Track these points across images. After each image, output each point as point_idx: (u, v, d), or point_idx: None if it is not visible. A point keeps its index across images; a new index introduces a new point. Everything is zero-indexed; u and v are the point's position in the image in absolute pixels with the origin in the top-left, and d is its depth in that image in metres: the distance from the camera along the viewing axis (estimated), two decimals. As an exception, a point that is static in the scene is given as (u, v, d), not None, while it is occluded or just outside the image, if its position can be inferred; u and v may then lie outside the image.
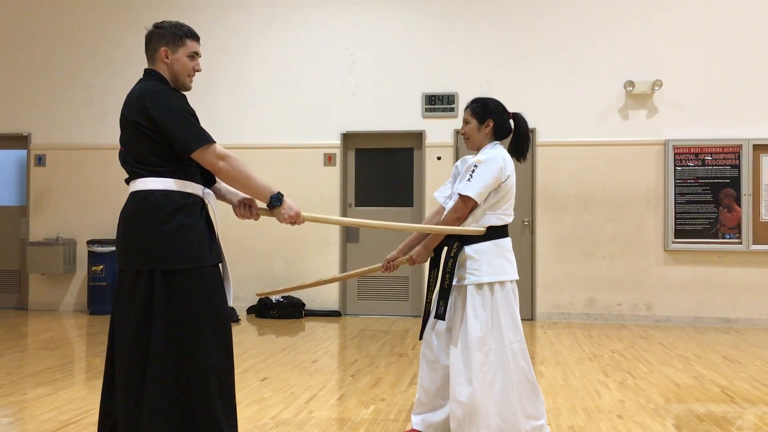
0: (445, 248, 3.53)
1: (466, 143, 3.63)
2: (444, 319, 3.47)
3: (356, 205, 8.75)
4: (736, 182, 7.99)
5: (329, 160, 8.62)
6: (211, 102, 8.81)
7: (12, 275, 9.26)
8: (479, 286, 3.39)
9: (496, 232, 3.47)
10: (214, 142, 2.83)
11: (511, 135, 3.62)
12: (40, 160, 9.18)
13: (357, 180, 8.75)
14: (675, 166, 8.07)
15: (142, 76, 3.02)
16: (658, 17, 8.23)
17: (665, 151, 8.10)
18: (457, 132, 8.45)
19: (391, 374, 5.38)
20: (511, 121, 3.61)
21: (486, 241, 3.44)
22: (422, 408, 3.67)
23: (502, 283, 3.41)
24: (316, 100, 8.74)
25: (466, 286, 3.42)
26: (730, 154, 8.01)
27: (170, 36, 3.00)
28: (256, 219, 3.07)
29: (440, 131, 8.51)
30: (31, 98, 9.24)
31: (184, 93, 3.00)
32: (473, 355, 3.33)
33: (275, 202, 2.92)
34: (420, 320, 8.19)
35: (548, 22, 8.41)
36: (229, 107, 8.81)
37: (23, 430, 3.97)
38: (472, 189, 3.38)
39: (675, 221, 8.05)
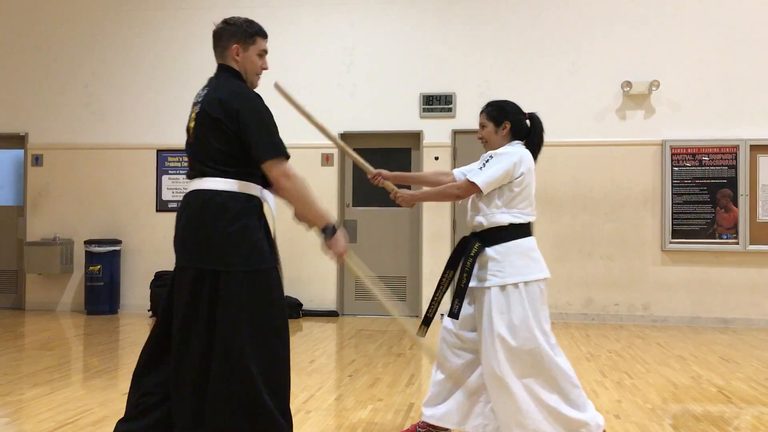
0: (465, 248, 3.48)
1: (485, 147, 3.59)
2: (458, 318, 3.45)
3: (354, 206, 8.75)
4: (733, 182, 8.00)
5: (327, 160, 8.62)
6: (209, 102, 8.81)
7: (9, 275, 9.24)
8: (503, 287, 3.35)
9: (517, 232, 3.41)
10: (288, 156, 2.85)
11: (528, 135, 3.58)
12: (37, 160, 9.17)
13: (354, 180, 8.75)
14: (672, 166, 8.08)
15: (216, 71, 3.01)
16: (655, 18, 8.24)
17: (662, 151, 8.11)
18: (454, 132, 8.46)
19: (388, 374, 5.38)
20: (528, 121, 3.59)
21: (508, 241, 3.39)
22: (434, 400, 3.62)
23: (526, 282, 3.35)
24: (313, 100, 8.62)
25: (490, 288, 3.37)
26: (727, 154, 8.03)
27: (241, 33, 2.97)
28: (306, 230, 3.05)
29: (438, 131, 8.51)
30: (28, 98, 9.23)
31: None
32: (502, 357, 3.29)
33: (328, 233, 2.94)
34: (418, 319, 8.21)
35: (546, 22, 8.41)
36: (226, 107, 8.80)
37: (21, 431, 3.97)
38: (481, 177, 3.36)
39: (672, 221, 8.07)
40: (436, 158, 8.46)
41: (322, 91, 8.71)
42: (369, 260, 8.63)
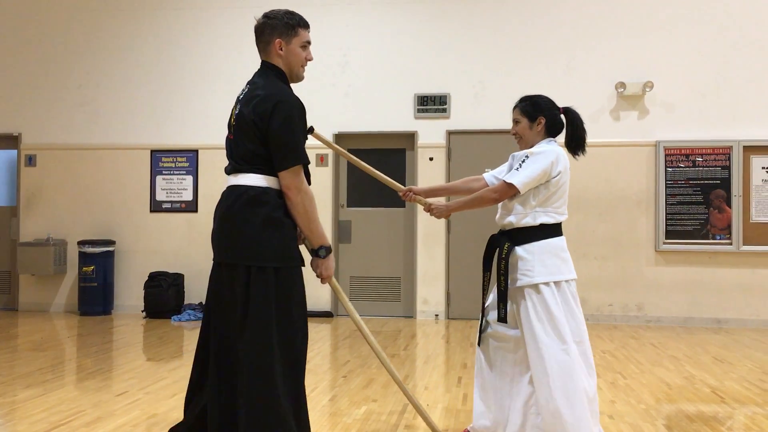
0: (497, 250, 3.45)
1: (519, 143, 3.53)
2: (506, 322, 3.39)
3: (348, 206, 8.75)
4: (726, 183, 8.03)
5: (321, 160, 8.61)
6: (204, 101, 8.81)
7: (2, 276, 9.21)
8: (534, 286, 3.32)
9: (548, 231, 3.38)
10: (307, 162, 2.88)
11: (563, 130, 3.54)
12: (31, 161, 9.14)
13: (349, 180, 8.75)
14: (666, 167, 8.11)
15: (259, 69, 3.00)
16: (649, 20, 8.26)
17: (656, 152, 8.13)
18: (449, 133, 8.46)
19: (383, 375, 5.38)
20: (562, 116, 3.54)
21: (538, 240, 3.36)
22: (483, 420, 3.53)
23: (557, 282, 3.33)
24: (308, 101, 8.59)
25: (522, 288, 3.34)
26: (721, 155, 8.05)
27: (283, 26, 2.94)
28: (299, 244, 3.09)
29: (432, 132, 8.52)
30: (21, 98, 9.20)
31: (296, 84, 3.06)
32: (543, 357, 3.25)
33: (320, 253, 2.97)
34: (417, 321, 8.21)
35: (541, 23, 8.43)
36: (221, 106, 8.72)
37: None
38: (518, 177, 3.31)
39: (666, 222, 8.09)
40: (431, 159, 8.46)
41: (317, 92, 8.69)
42: (363, 261, 8.72)
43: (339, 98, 8.67)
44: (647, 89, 8.11)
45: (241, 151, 2.88)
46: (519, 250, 3.36)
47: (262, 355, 2.76)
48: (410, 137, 8.60)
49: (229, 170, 2.95)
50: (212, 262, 3.03)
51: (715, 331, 7.65)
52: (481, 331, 3.56)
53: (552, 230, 3.40)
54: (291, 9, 3.02)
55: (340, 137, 8.70)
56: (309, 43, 3.02)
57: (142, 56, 9.04)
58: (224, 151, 2.97)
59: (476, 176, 3.76)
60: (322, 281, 3.05)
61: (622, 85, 8.12)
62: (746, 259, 8.00)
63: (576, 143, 3.54)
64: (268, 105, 2.81)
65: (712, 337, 7.27)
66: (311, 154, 8.52)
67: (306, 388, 4.92)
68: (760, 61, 8.07)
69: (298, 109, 2.88)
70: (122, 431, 3.93)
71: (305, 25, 3.00)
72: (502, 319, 3.39)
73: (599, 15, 8.34)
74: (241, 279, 2.82)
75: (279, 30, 2.93)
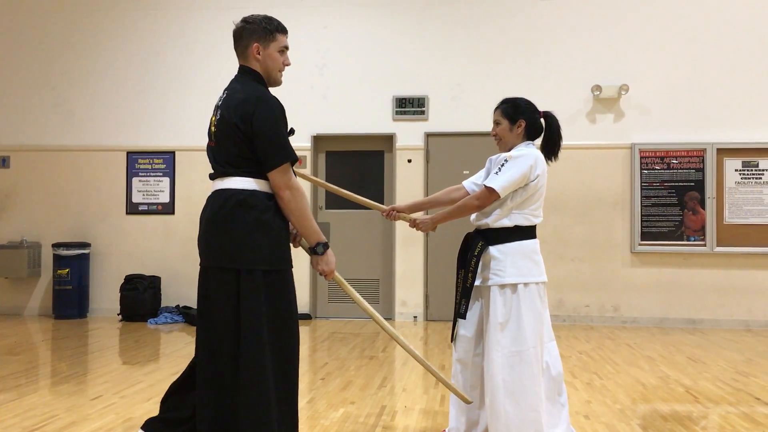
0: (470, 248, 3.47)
1: (498, 145, 3.56)
2: (465, 318, 3.44)
3: (327, 208, 8.73)
4: (700, 185, 8.13)
5: (299, 162, 8.58)
6: (181, 102, 8.74)
7: (-26, 279, 9.07)
8: (502, 287, 3.35)
9: (522, 233, 3.41)
10: (295, 160, 2.87)
11: (542, 134, 3.57)
12: (4, 162, 9.01)
13: (328, 182, 8.72)
14: (641, 169, 8.20)
15: (237, 74, 3.00)
16: (625, 23, 8.35)
17: (632, 154, 8.22)
18: (427, 135, 8.48)
19: (361, 377, 5.38)
20: (542, 120, 3.57)
21: (511, 242, 3.39)
22: (454, 421, 3.56)
23: (526, 284, 3.35)
24: (286, 103, 8.57)
25: (490, 287, 3.37)
26: (695, 157, 8.16)
27: (261, 31, 2.95)
28: (295, 247, 3.06)
29: (411, 134, 8.53)
30: (-6, 98, 9.08)
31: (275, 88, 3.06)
32: (495, 356, 3.29)
33: (318, 250, 2.98)
34: (396, 323, 8.21)
35: (518, 27, 8.48)
36: (198, 108, 8.71)
37: (-15, 437, 3.90)
38: (497, 181, 3.33)
39: (641, 224, 8.17)
40: (409, 161, 8.48)
41: (295, 94, 8.66)
42: (342, 263, 8.64)
43: (317, 100, 8.65)
44: (623, 92, 8.20)
45: (225, 155, 2.88)
46: (492, 249, 3.39)
47: (254, 360, 2.76)
48: (388, 139, 8.61)
49: (215, 175, 2.94)
50: (199, 266, 3.00)
51: (690, 332, 7.74)
52: (454, 328, 3.60)
53: (526, 232, 3.43)
54: (270, 11, 3.03)
55: (318, 139, 8.69)
56: (287, 48, 3.04)
57: (118, 57, 8.96)
58: (202, 153, 2.97)
59: (456, 186, 3.78)
60: (326, 278, 3.05)
61: (598, 88, 8.19)
62: (720, 260, 8.11)
63: (550, 148, 3.58)
64: (249, 107, 2.81)
65: (687, 338, 7.36)
66: (289, 156, 8.58)
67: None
68: (733, 65, 8.19)
69: (279, 108, 2.89)
70: (97, 436, 3.89)
71: (283, 31, 3.01)
72: (461, 315, 3.43)
73: (576, 19, 8.41)
74: (230, 283, 2.81)
75: (257, 34, 2.94)
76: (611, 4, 8.38)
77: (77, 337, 7.30)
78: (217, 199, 2.88)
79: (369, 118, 8.60)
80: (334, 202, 8.73)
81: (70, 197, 8.92)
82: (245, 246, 2.80)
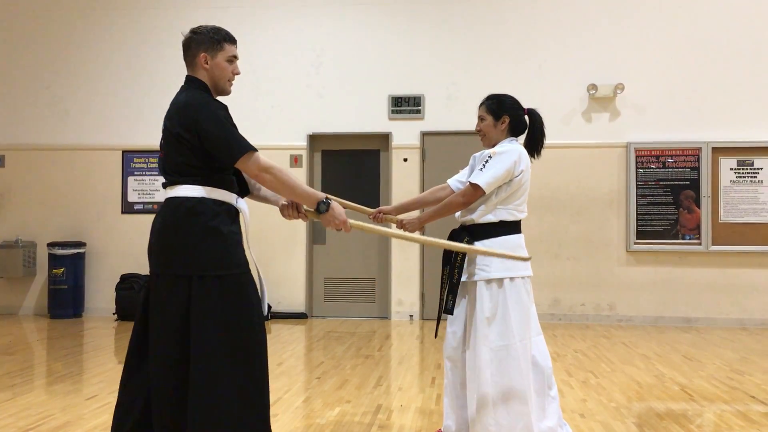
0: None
1: (482, 141, 3.58)
2: (452, 314, 3.45)
3: (322, 207, 8.71)
4: (695, 184, 8.15)
5: (295, 161, 8.59)
6: (176, 102, 8.73)
7: (-31, 278, 9.05)
8: (488, 282, 3.36)
9: (507, 228, 3.43)
10: (256, 150, 2.84)
11: (526, 131, 3.59)
12: (0, 161, 9.00)
13: (323, 182, 8.72)
14: (636, 168, 8.21)
15: (183, 84, 3.00)
16: (621, 23, 8.36)
17: (627, 153, 8.23)
18: (423, 134, 8.48)
19: (357, 376, 5.38)
20: (526, 117, 3.58)
21: (497, 236, 3.40)
22: (448, 420, 3.57)
23: (512, 279, 3.36)
24: (282, 102, 8.71)
25: (476, 282, 3.39)
26: (690, 156, 8.17)
27: (208, 41, 2.94)
28: (305, 220, 3.04)
29: (407, 133, 8.53)
30: (-11, 97, 9.05)
31: (224, 97, 3.03)
32: (483, 351, 3.30)
33: (322, 208, 2.94)
34: (392, 322, 8.22)
35: (514, 26, 8.49)
36: (193, 108, 8.72)
37: (-20, 437, 3.89)
38: (482, 178, 3.34)
39: (637, 222, 8.19)
40: (405, 160, 8.48)
41: (291, 93, 8.68)
42: (338, 262, 8.70)
43: (313, 99, 8.65)
44: (618, 91, 8.21)
45: (172, 164, 2.87)
46: (478, 245, 3.40)
47: (203, 362, 2.72)
48: (384, 138, 8.61)
49: (165, 184, 2.94)
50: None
51: (685, 330, 7.76)
52: (438, 324, 3.63)
53: (511, 227, 3.46)
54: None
55: (314, 138, 8.68)
56: (236, 57, 3.02)
57: (113, 56, 8.94)
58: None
59: (441, 185, 3.80)
60: (344, 230, 3.00)
61: (594, 87, 8.20)
62: (715, 259, 8.13)
63: (534, 145, 3.60)
64: (191, 113, 2.80)
65: (682, 336, 7.37)
66: (284, 155, 8.58)
67: (280, 390, 4.91)
68: (728, 65, 8.21)
69: (223, 109, 2.88)
70: (92, 435, 3.88)
71: (231, 41, 3.01)
72: (449, 311, 3.45)
73: (572, 18, 8.42)
74: (181, 290, 2.79)
75: (204, 45, 2.94)
76: (607, 3, 8.39)
77: (72, 336, 7.28)
78: (167, 207, 2.88)
79: (365, 117, 8.59)
80: (329, 201, 8.71)
81: (66, 196, 8.90)
82: (197, 252, 2.79)
